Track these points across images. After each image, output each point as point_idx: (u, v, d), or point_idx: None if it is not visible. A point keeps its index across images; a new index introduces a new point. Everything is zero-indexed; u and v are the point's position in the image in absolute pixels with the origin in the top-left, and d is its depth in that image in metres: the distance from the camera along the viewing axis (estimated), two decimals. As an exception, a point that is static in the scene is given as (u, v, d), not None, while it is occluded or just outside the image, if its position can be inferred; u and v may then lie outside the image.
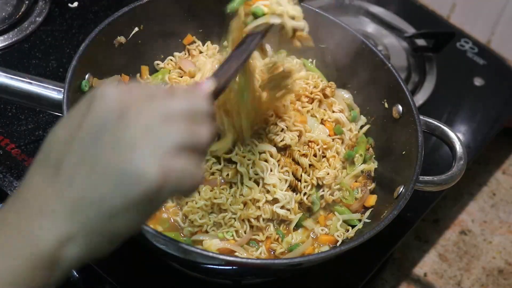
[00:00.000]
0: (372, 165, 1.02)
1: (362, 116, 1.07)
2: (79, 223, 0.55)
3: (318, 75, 1.08)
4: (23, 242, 0.55)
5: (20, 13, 1.19)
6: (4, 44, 1.16)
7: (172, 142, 0.56)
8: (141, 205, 0.55)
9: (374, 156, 1.04)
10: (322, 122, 1.02)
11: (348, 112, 1.05)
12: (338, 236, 0.96)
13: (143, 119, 0.55)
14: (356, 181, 1.01)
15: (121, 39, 1.00)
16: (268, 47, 0.88)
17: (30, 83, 0.89)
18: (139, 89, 0.58)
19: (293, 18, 0.82)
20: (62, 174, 0.56)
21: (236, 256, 0.88)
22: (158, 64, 1.08)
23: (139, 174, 0.54)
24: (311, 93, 1.03)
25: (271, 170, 0.93)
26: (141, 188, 0.54)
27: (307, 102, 1.03)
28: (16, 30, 1.18)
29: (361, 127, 1.06)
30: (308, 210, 0.97)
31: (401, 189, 0.92)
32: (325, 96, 1.04)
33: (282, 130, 0.96)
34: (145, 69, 1.07)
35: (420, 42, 1.34)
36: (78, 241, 0.55)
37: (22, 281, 0.54)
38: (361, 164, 1.01)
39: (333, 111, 1.04)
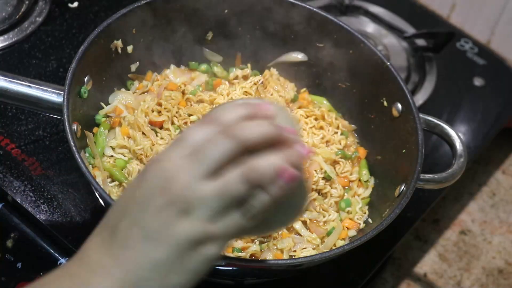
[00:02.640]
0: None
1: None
2: (132, 283, 0.58)
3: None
4: None
5: (20, 13, 1.19)
6: (4, 44, 1.16)
7: (214, 206, 0.59)
8: (192, 264, 0.59)
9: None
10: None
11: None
12: (357, 219, 0.98)
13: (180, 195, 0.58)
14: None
15: (118, 43, 1.00)
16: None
17: (30, 86, 0.89)
18: (190, 161, 0.59)
19: None
20: (117, 237, 0.59)
21: (237, 258, 0.88)
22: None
23: (186, 235, 0.58)
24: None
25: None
26: (192, 253, 0.59)
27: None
28: (16, 30, 1.18)
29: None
30: None
31: (402, 187, 0.92)
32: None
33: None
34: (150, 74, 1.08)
35: (420, 42, 1.34)
36: None
37: None
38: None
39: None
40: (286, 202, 0.63)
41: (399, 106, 0.99)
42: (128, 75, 1.06)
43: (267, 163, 0.59)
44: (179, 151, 0.59)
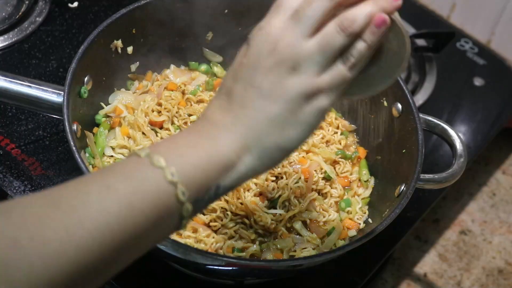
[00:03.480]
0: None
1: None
2: (254, 137, 0.63)
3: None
4: (208, 144, 0.63)
5: (20, 13, 1.19)
6: (4, 44, 1.16)
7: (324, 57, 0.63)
8: (306, 116, 0.64)
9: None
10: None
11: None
12: (357, 219, 0.98)
13: (289, 50, 0.63)
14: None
15: (118, 43, 1.00)
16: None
17: (30, 86, 0.89)
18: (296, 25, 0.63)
19: None
20: (234, 100, 0.64)
21: (237, 257, 0.88)
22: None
23: (297, 90, 0.63)
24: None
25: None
26: (302, 100, 0.63)
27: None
28: (16, 30, 1.18)
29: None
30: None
31: (402, 187, 0.92)
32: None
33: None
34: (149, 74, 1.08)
35: (420, 42, 1.34)
36: (253, 152, 0.63)
37: (202, 174, 0.61)
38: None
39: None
40: (386, 53, 0.68)
41: (399, 106, 0.99)
42: (128, 75, 1.06)
43: (358, 11, 0.63)
44: (279, 16, 0.64)
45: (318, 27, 0.63)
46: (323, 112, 0.65)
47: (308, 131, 0.65)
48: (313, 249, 0.94)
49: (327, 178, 1.01)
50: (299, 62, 0.62)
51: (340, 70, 0.64)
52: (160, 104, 1.02)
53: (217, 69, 1.11)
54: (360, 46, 0.64)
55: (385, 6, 0.64)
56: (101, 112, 1.00)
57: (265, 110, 0.63)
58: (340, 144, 1.06)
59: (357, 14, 0.63)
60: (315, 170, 0.99)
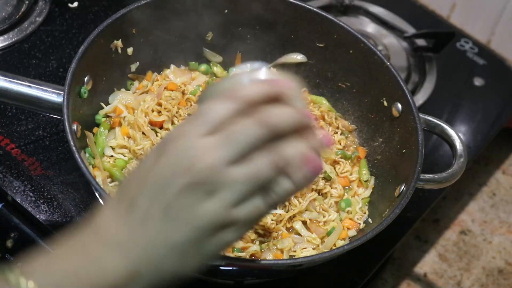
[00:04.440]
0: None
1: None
2: (148, 263, 0.57)
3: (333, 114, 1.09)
4: (93, 268, 0.57)
5: (20, 13, 1.19)
6: (4, 44, 1.16)
7: (237, 193, 0.57)
8: (210, 249, 0.58)
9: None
10: None
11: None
12: (357, 219, 0.98)
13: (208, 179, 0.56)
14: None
15: (118, 43, 1.00)
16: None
17: (30, 86, 0.89)
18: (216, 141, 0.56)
19: None
20: (135, 213, 0.57)
21: (237, 258, 0.88)
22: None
23: (209, 220, 0.56)
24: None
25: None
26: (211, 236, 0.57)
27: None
28: (16, 30, 1.18)
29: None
30: None
31: (402, 187, 0.92)
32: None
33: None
34: (149, 74, 1.08)
35: (420, 42, 1.34)
36: (144, 279, 0.57)
37: None
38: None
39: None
40: None
41: (399, 106, 0.99)
42: (128, 75, 1.06)
43: (295, 150, 0.57)
44: (200, 128, 0.56)
45: (246, 155, 0.56)
46: (228, 245, 0.59)
47: (208, 261, 0.59)
48: (313, 249, 0.94)
49: (327, 178, 1.01)
50: (217, 188, 0.55)
51: (259, 206, 0.57)
52: (160, 104, 1.02)
53: (217, 69, 1.11)
54: (288, 185, 0.58)
55: (318, 149, 0.59)
56: (101, 112, 1.00)
57: (166, 236, 0.56)
58: (340, 144, 1.06)
59: (294, 154, 0.57)
60: None
